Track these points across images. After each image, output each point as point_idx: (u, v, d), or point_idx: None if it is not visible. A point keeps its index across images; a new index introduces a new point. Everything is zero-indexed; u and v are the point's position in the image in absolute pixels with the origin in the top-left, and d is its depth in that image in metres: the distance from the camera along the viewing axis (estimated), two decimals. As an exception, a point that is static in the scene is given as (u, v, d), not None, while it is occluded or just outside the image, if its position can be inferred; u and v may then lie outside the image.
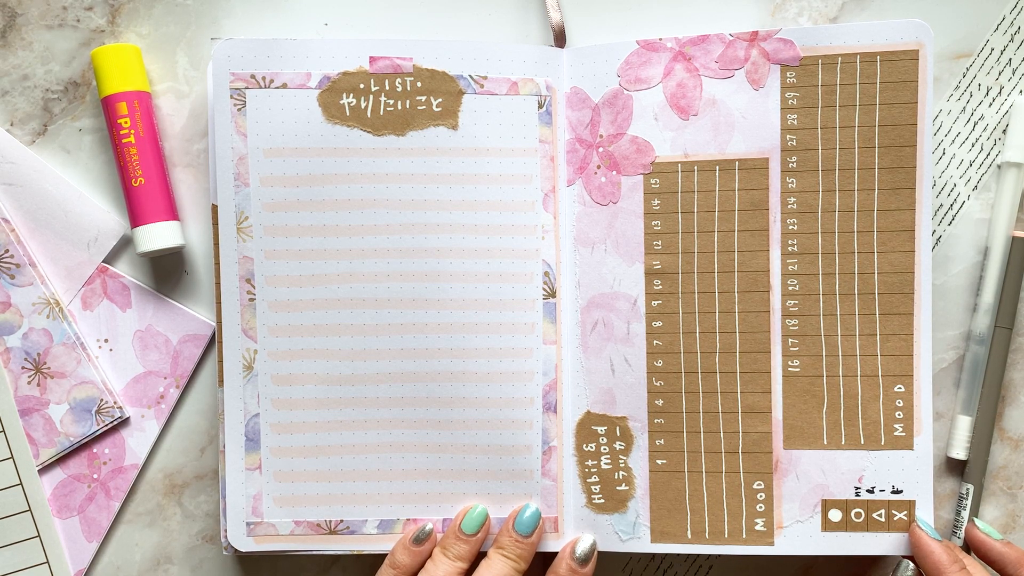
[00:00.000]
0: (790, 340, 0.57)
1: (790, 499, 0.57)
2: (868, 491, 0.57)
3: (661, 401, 0.57)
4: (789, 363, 0.57)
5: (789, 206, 0.57)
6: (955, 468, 0.60)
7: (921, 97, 0.55)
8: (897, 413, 0.57)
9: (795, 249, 0.57)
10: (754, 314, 0.57)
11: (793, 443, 0.57)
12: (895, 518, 0.57)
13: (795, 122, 0.56)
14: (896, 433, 0.57)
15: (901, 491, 0.56)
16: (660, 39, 0.56)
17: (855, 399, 0.57)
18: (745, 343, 0.57)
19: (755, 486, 0.57)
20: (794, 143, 0.56)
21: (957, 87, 0.59)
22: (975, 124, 0.59)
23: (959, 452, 0.59)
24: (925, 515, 0.56)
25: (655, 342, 0.57)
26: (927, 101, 0.55)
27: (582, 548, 0.56)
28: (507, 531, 0.56)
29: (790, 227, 0.57)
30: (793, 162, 0.56)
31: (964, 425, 0.59)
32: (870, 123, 0.56)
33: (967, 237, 0.59)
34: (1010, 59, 0.59)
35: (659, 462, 0.57)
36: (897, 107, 0.56)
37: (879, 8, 0.59)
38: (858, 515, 0.57)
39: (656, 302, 0.57)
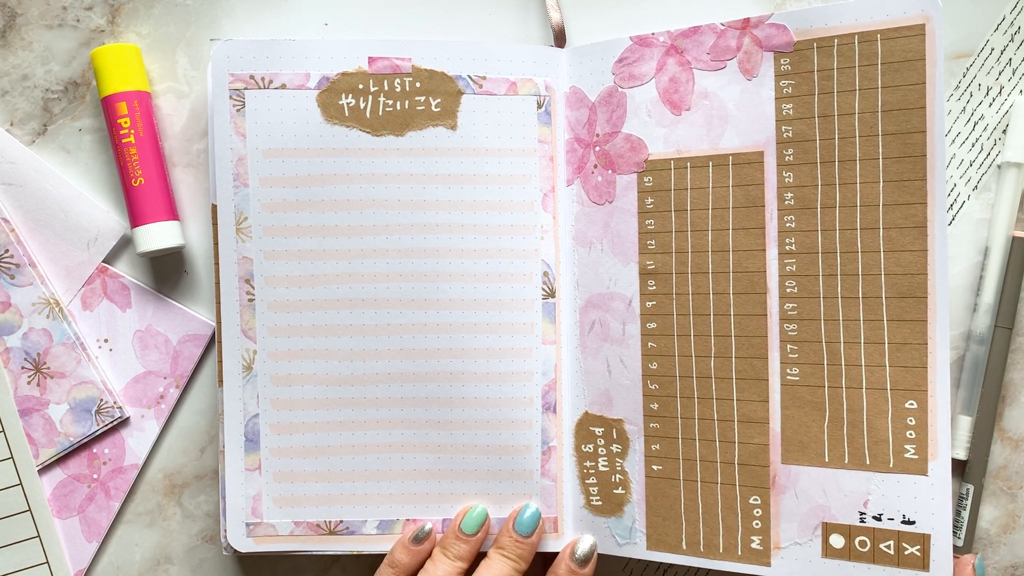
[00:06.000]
0: (789, 346, 0.54)
1: (788, 518, 0.54)
2: (875, 518, 0.53)
3: (656, 405, 0.56)
4: (788, 371, 0.54)
5: (786, 202, 0.54)
6: (955, 468, 0.60)
7: (929, 77, 0.51)
8: (908, 432, 0.52)
9: (793, 248, 0.54)
10: (750, 317, 0.54)
11: (792, 458, 0.54)
12: (906, 552, 0.52)
13: (791, 112, 0.53)
14: (907, 455, 0.52)
15: (913, 522, 0.52)
16: (652, 34, 0.56)
17: (859, 414, 0.53)
18: (741, 348, 0.55)
19: (751, 501, 0.55)
20: (790, 134, 0.53)
21: (957, 87, 0.59)
22: (975, 124, 0.59)
23: (959, 452, 0.59)
24: (943, 553, 0.51)
25: (649, 344, 0.56)
26: (937, 81, 0.51)
27: (582, 549, 0.56)
28: (507, 531, 0.56)
29: (787, 225, 0.54)
30: (790, 155, 0.54)
31: (964, 425, 0.59)
32: (872, 109, 0.52)
33: (967, 237, 0.59)
34: (1010, 59, 0.58)
35: (655, 467, 0.56)
36: (902, 90, 0.51)
37: (879, 8, 0.59)
38: (863, 543, 0.53)
39: (650, 303, 0.56)
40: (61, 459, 0.60)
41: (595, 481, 0.57)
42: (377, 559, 0.57)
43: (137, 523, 0.61)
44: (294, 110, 0.56)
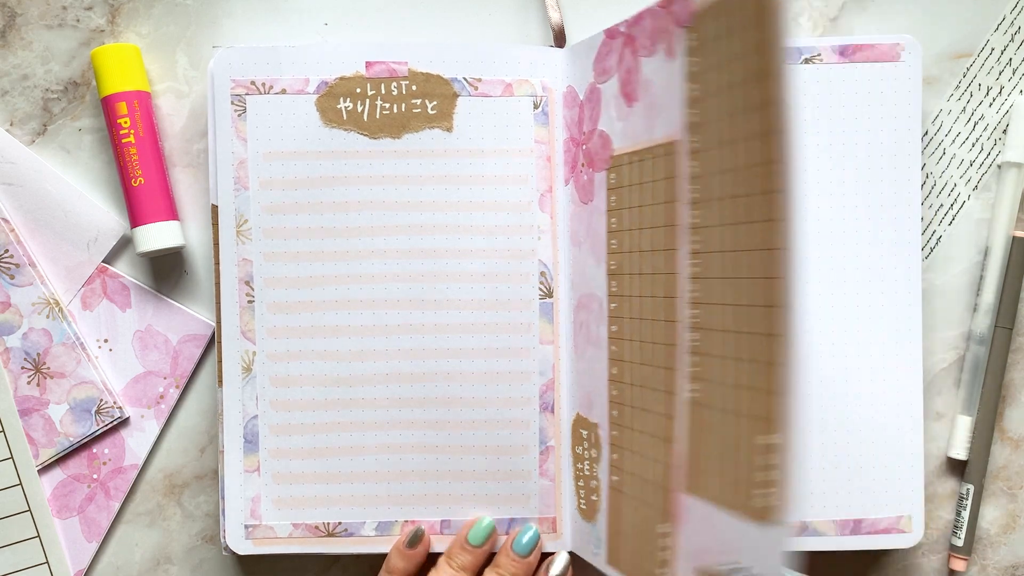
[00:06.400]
0: (692, 358, 0.45)
1: (684, 557, 0.44)
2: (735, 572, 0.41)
3: (616, 412, 0.53)
4: (690, 386, 0.45)
5: (693, 194, 0.45)
6: (955, 468, 0.60)
7: (775, 32, 0.37)
8: (766, 473, 0.39)
9: (698, 247, 0.45)
10: (667, 324, 0.47)
11: (691, 486, 0.44)
12: None
13: (697, 92, 0.44)
14: (761, 502, 0.39)
15: None
16: (616, 25, 0.53)
17: (731, 441, 0.41)
18: (658, 357, 0.48)
19: (659, 529, 0.47)
20: (696, 118, 0.44)
21: (957, 87, 0.59)
22: (975, 124, 0.59)
23: (959, 452, 0.59)
24: None
25: (612, 347, 0.53)
26: (780, 36, 0.38)
27: (555, 570, 0.56)
28: (505, 551, 0.56)
29: (694, 220, 0.45)
30: (696, 141, 0.44)
31: (964, 425, 0.59)
32: (739, 79, 0.40)
33: (967, 237, 0.59)
34: (1010, 59, 0.58)
35: (613, 479, 0.53)
36: (759, 51, 0.39)
37: (879, 8, 0.58)
38: None
39: (614, 304, 0.53)
40: (61, 459, 0.60)
41: (583, 484, 0.56)
42: (377, 559, 0.58)
43: (137, 523, 0.61)
44: (294, 114, 0.56)
